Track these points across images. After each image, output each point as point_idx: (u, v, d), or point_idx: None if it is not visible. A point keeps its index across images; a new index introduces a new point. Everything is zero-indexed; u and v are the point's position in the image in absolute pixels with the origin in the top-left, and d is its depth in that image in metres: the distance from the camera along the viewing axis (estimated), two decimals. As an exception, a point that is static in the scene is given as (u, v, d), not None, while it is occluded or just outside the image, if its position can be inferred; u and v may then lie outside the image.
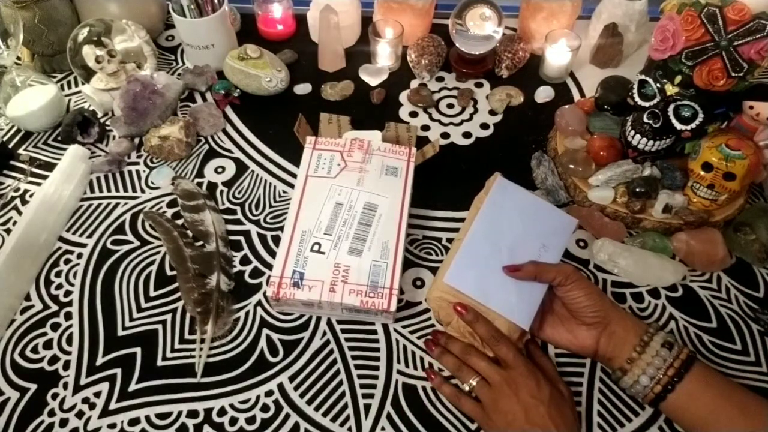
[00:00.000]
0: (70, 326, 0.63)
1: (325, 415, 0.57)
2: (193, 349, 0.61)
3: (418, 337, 0.63)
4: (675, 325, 0.64)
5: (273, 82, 0.85)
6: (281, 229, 0.69)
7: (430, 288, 0.62)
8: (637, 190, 0.69)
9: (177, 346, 0.62)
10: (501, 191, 0.63)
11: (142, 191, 0.76)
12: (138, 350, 0.61)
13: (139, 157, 0.80)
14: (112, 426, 0.56)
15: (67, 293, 0.65)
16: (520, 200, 0.63)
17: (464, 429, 0.56)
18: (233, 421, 0.57)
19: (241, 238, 0.71)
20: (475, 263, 0.59)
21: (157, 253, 0.69)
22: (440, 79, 0.92)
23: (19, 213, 0.72)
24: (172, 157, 0.79)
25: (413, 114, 0.87)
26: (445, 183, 0.77)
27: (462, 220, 0.72)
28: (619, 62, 0.93)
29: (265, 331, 0.63)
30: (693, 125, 0.64)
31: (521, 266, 0.58)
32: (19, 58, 0.88)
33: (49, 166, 0.76)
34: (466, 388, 0.55)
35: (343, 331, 0.63)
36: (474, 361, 0.56)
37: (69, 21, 0.87)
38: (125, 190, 0.76)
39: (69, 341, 0.62)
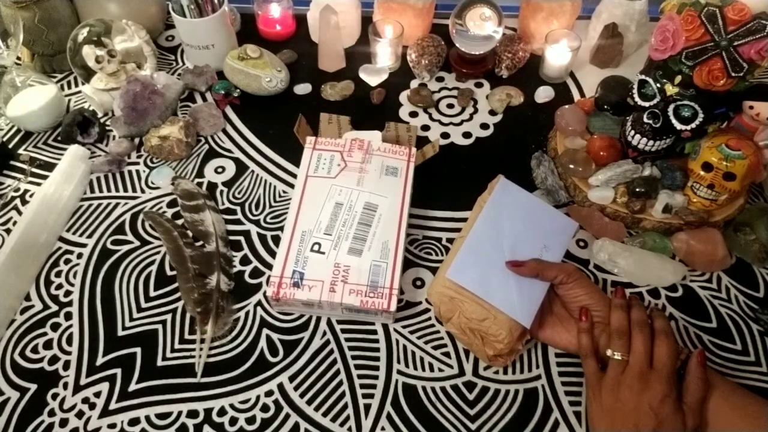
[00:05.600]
0: (70, 326, 0.63)
1: (325, 415, 0.57)
2: (193, 349, 0.61)
3: (418, 337, 0.63)
4: (675, 325, 0.64)
5: (273, 82, 0.85)
6: (281, 229, 0.69)
7: (432, 283, 0.62)
8: (637, 190, 0.69)
9: (177, 346, 0.62)
10: (503, 192, 0.64)
11: (142, 191, 0.76)
12: (138, 350, 0.61)
13: (139, 157, 0.80)
14: (112, 426, 0.56)
15: (67, 293, 0.65)
16: (522, 201, 0.64)
17: (464, 429, 0.56)
18: (233, 421, 0.57)
19: (241, 238, 0.71)
20: (478, 260, 0.59)
21: (157, 253, 0.69)
22: (440, 79, 0.92)
23: (19, 213, 0.72)
24: (172, 157, 0.79)
25: (413, 114, 0.87)
26: (445, 183, 0.77)
27: (462, 220, 0.72)
28: (619, 62, 0.93)
29: (265, 331, 0.63)
30: (693, 125, 0.64)
31: (524, 262, 0.58)
32: (19, 58, 0.87)
33: (49, 166, 0.76)
34: (607, 353, 0.52)
35: (343, 331, 0.63)
36: (639, 338, 0.52)
37: (69, 21, 0.87)
38: (125, 190, 0.76)
39: (69, 341, 0.62)
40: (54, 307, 0.64)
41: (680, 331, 0.63)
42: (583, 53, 0.93)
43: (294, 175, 0.78)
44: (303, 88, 0.90)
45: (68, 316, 0.63)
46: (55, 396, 0.58)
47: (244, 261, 0.69)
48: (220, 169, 0.79)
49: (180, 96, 0.87)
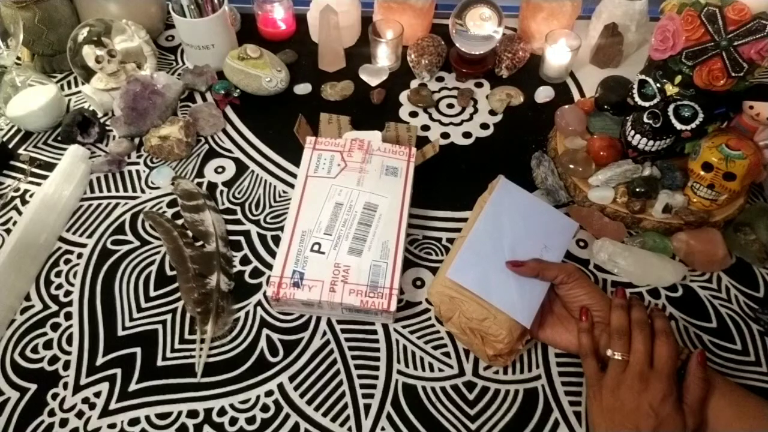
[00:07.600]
0: (70, 326, 0.63)
1: (325, 415, 0.57)
2: (193, 349, 0.61)
3: (418, 337, 0.63)
4: (675, 325, 0.64)
5: (273, 82, 0.85)
6: (281, 229, 0.69)
7: (432, 283, 0.62)
8: (637, 190, 0.69)
9: (177, 346, 0.62)
10: (504, 192, 0.64)
11: (142, 191, 0.76)
12: (138, 350, 0.61)
13: (139, 157, 0.80)
14: (112, 426, 0.56)
15: (67, 293, 0.65)
16: (522, 201, 0.64)
17: (464, 429, 0.56)
18: (233, 421, 0.57)
19: (241, 238, 0.71)
20: (478, 260, 0.59)
21: (157, 253, 0.69)
22: (440, 79, 0.92)
23: (19, 213, 0.72)
24: (172, 157, 0.79)
25: (413, 114, 0.87)
26: (445, 183, 0.77)
27: (462, 220, 0.72)
28: (619, 62, 0.93)
29: (265, 331, 0.63)
30: (693, 125, 0.64)
31: (524, 262, 0.58)
32: (19, 58, 0.87)
33: (49, 166, 0.76)
34: (607, 353, 0.52)
35: (343, 331, 0.63)
36: (639, 338, 0.51)
37: (69, 21, 0.87)
38: (125, 190, 0.76)
39: (69, 341, 0.62)
40: (54, 307, 0.64)
41: (680, 331, 0.63)
42: (583, 53, 0.93)
43: (294, 175, 0.78)
44: (303, 88, 0.90)
45: (68, 316, 0.63)
46: (55, 396, 0.58)
47: (244, 261, 0.69)
48: (220, 169, 0.79)
49: (180, 96, 0.87)
